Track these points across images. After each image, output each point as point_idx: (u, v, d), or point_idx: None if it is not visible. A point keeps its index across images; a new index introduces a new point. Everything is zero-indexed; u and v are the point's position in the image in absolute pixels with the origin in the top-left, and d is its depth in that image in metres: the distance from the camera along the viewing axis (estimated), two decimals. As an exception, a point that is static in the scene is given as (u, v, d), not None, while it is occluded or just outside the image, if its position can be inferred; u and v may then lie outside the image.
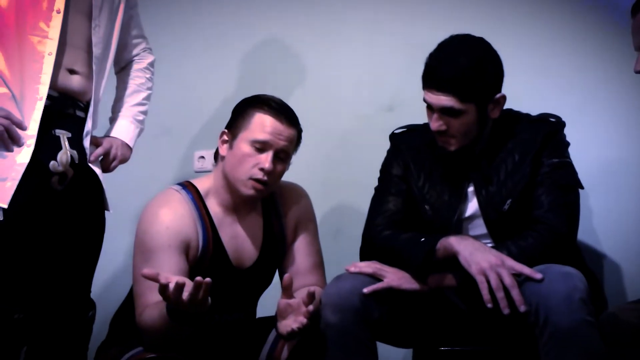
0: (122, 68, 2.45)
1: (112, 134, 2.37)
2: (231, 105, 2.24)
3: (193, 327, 1.94)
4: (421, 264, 2.07)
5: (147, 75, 2.46)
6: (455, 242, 2.04)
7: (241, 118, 2.17)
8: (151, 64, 2.48)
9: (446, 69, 2.09)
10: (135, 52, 2.45)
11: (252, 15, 3.09)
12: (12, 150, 2.08)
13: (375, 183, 2.35)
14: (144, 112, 2.44)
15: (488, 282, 1.95)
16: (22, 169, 2.07)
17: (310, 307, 1.99)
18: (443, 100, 2.10)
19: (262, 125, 2.14)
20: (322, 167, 2.93)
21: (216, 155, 2.25)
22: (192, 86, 3.13)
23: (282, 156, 2.16)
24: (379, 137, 2.44)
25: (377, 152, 2.39)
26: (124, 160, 2.37)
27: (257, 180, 2.13)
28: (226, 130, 2.19)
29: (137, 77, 2.44)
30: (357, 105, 2.93)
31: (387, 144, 2.37)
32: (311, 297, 2.00)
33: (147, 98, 2.46)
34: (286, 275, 2.08)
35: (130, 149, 2.38)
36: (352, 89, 2.94)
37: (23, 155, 2.09)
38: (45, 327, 2.14)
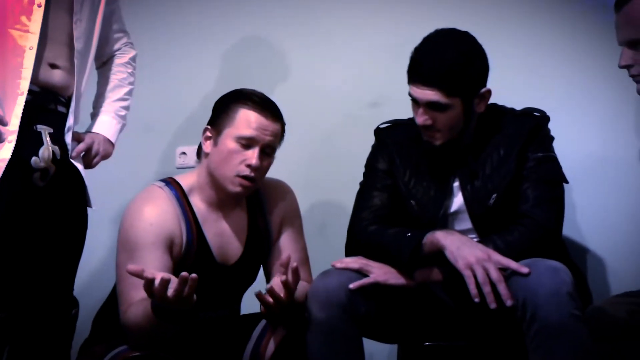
0: (104, 63, 2.43)
1: (94, 129, 2.34)
2: (213, 102, 2.23)
3: (178, 325, 1.93)
4: (408, 259, 2.06)
5: (129, 70, 2.44)
6: (441, 237, 2.03)
7: (224, 114, 2.14)
8: (133, 59, 2.46)
9: (431, 63, 2.09)
10: (116, 46, 2.43)
11: (235, 12, 3.07)
12: None
13: (361, 178, 2.35)
14: (126, 108, 2.42)
15: (475, 276, 1.95)
16: (3, 165, 2.04)
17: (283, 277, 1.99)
18: (428, 94, 2.09)
19: (247, 121, 2.12)
20: (306, 163, 2.92)
21: (199, 152, 2.23)
22: (173, 82, 3.10)
23: (268, 151, 2.15)
24: (363, 133, 2.44)
25: (362, 147, 2.39)
26: (106, 156, 2.34)
27: (244, 177, 2.11)
28: (209, 127, 2.17)
29: (118, 72, 2.42)
30: (342, 101, 2.92)
31: (371, 140, 2.37)
32: (295, 272, 2.01)
33: (129, 93, 2.43)
34: (286, 256, 2.06)
35: (112, 144, 2.36)
36: (336, 86, 2.93)
37: (4, 151, 2.06)
38: (28, 325, 2.12)
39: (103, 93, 2.39)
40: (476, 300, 1.93)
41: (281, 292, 2.02)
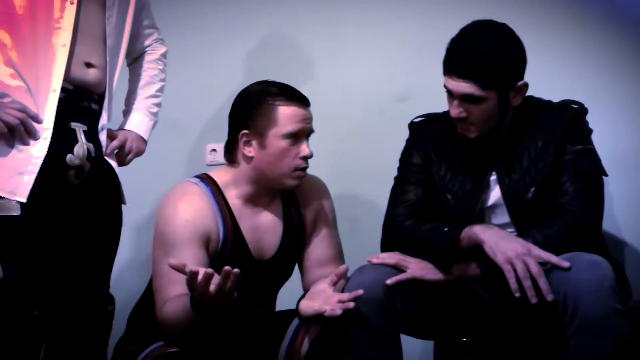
0: (135, 59, 2.42)
1: (127, 127, 2.34)
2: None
3: (216, 322, 1.92)
4: (445, 254, 2.04)
5: (160, 67, 2.43)
6: (480, 231, 2.01)
7: (261, 116, 2.12)
8: (163, 55, 2.45)
9: (467, 55, 2.06)
10: (147, 42, 2.42)
11: (260, 8, 3.06)
12: (28, 144, 2.06)
13: (390, 173, 2.33)
14: (158, 104, 2.41)
15: (515, 271, 1.93)
16: (39, 163, 2.05)
17: (351, 305, 1.98)
18: (463, 87, 2.07)
19: (289, 116, 2.11)
20: (335, 159, 2.90)
21: (230, 153, 2.19)
22: (200, 79, 3.09)
23: (309, 135, 2.17)
24: (392, 128, 2.44)
25: (390, 142, 2.38)
26: (139, 153, 2.34)
27: (301, 169, 2.13)
28: (246, 131, 2.14)
29: (149, 69, 2.41)
30: (368, 96, 2.91)
31: (401, 134, 2.35)
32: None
33: (161, 90, 2.43)
34: (343, 267, 2.08)
35: (145, 141, 2.36)
36: (362, 81, 2.92)
37: (39, 149, 2.06)
38: (65, 323, 2.12)
39: (135, 90, 2.38)
40: (517, 295, 1.91)
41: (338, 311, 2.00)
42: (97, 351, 2.18)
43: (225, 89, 3.00)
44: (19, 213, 2.01)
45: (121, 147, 2.28)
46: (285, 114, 2.11)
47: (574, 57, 2.65)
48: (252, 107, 2.14)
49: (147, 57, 2.41)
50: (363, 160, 2.88)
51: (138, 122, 2.34)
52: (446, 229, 2.07)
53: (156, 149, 2.70)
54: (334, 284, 2.07)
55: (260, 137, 2.12)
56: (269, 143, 2.11)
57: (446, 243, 2.04)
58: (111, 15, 2.19)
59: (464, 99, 2.09)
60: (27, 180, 2.03)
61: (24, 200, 2.02)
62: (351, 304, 1.98)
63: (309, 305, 2.05)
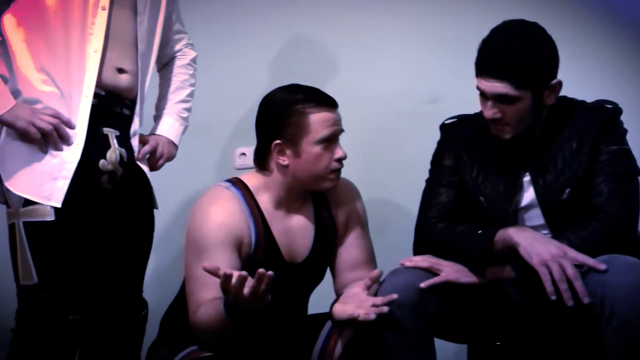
0: (165, 65, 2.43)
1: (158, 131, 2.35)
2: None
3: (250, 325, 1.92)
4: (479, 257, 2.03)
5: (190, 72, 2.44)
6: (514, 234, 1.99)
7: (293, 125, 2.12)
8: (193, 60, 2.46)
9: (500, 55, 2.05)
10: (177, 47, 2.43)
11: (287, 10, 3.08)
12: (61, 149, 2.08)
13: (421, 175, 2.32)
14: (188, 109, 2.42)
15: (550, 273, 1.91)
16: (72, 168, 2.06)
17: (385, 309, 1.98)
18: (497, 87, 2.05)
19: (321, 122, 2.12)
20: (366, 161, 2.90)
21: (262, 161, 2.19)
22: (229, 83, 3.12)
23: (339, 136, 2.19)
24: (423, 129, 2.43)
25: (422, 144, 2.37)
26: (170, 158, 2.35)
27: (337, 170, 2.15)
28: (278, 141, 2.13)
29: (180, 74, 2.42)
30: (400, 97, 2.91)
31: (432, 136, 2.34)
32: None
33: (191, 95, 2.44)
34: (377, 271, 2.08)
35: (175, 146, 2.37)
36: (394, 82, 2.93)
37: (73, 154, 2.08)
38: (99, 327, 2.14)
39: (165, 95, 2.40)
40: (553, 298, 1.89)
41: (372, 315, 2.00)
42: (130, 355, 2.19)
43: (254, 92, 3.01)
44: (53, 218, 2.03)
45: (152, 152, 2.29)
46: (317, 120, 2.11)
47: (574, 56, 2.62)
48: (281, 117, 2.13)
49: (177, 62, 2.42)
50: (394, 162, 2.89)
51: (169, 127, 2.36)
52: (480, 231, 2.05)
53: (186, 153, 2.71)
54: (368, 288, 2.06)
55: (293, 145, 2.12)
56: (303, 150, 2.12)
57: (480, 245, 2.02)
58: (142, 21, 2.20)
59: (499, 99, 2.07)
60: (62, 186, 2.05)
61: (58, 205, 2.03)
62: (385, 309, 1.98)
63: (342, 309, 2.04)
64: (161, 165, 2.34)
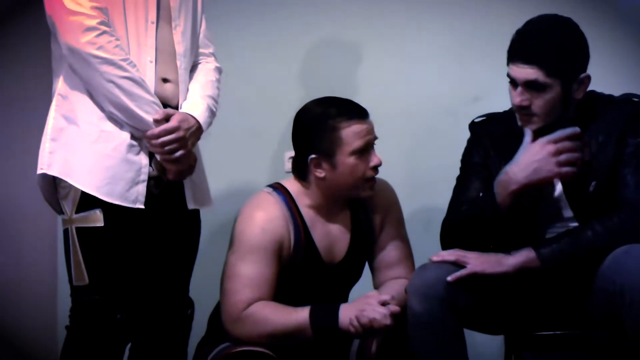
0: (190, 70, 2.41)
1: (184, 109, 2.25)
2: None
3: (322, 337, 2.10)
4: (492, 214, 2.09)
5: (216, 76, 2.38)
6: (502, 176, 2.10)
7: (326, 139, 2.20)
8: (218, 70, 2.39)
9: (533, 41, 2.09)
10: (202, 55, 2.39)
11: (327, 12, 3.09)
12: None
13: (463, 174, 2.35)
14: (214, 105, 2.31)
15: None
16: (147, 171, 2.16)
17: (396, 308, 2.07)
18: (528, 72, 2.08)
19: (354, 134, 2.19)
20: (408, 161, 2.94)
21: (301, 173, 2.28)
22: (275, 87, 3.12)
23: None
24: (465, 129, 2.43)
25: (464, 143, 2.39)
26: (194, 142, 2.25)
27: (372, 178, 2.23)
28: (314, 156, 2.22)
29: (206, 75, 2.35)
30: (442, 97, 2.93)
31: (474, 135, 2.37)
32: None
33: (217, 96, 2.33)
34: (387, 296, 2.12)
35: (200, 127, 2.24)
36: (436, 82, 2.94)
37: (144, 158, 2.16)
38: (148, 326, 2.22)
39: (192, 89, 2.31)
40: None
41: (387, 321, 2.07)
42: (177, 352, 2.28)
43: (295, 97, 3.05)
44: (102, 224, 2.11)
45: (175, 161, 2.20)
46: (350, 133, 2.19)
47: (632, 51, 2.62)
48: (316, 132, 2.22)
49: (202, 67, 2.36)
50: (437, 161, 2.89)
51: (195, 107, 2.24)
52: (481, 194, 2.15)
53: (239, 156, 2.80)
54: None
55: (329, 158, 2.21)
56: (339, 163, 2.20)
57: (487, 202, 2.11)
58: (179, 32, 2.25)
59: (528, 85, 2.09)
60: (142, 189, 2.14)
61: (142, 207, 2.13)
62: (396, 308, 2.07)
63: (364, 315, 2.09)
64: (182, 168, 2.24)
